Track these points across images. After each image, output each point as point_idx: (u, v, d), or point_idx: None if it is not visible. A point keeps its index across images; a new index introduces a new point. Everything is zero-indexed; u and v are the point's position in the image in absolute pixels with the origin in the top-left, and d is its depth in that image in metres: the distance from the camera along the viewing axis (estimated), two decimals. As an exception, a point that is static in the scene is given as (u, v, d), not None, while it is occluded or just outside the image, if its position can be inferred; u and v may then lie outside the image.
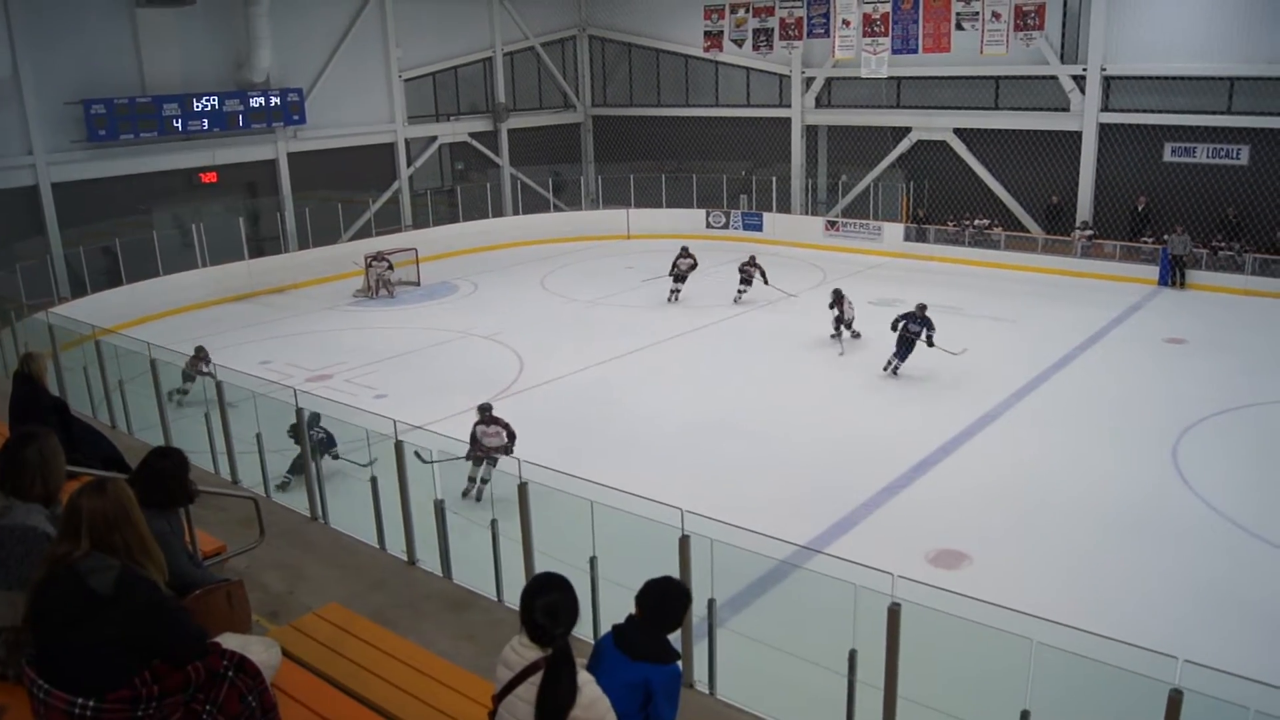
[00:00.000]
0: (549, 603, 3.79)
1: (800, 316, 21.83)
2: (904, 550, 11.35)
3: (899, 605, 6.07)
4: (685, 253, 23.65)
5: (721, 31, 30.26)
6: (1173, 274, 24.73)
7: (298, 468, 11.85)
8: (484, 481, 12.87)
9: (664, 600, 4.47)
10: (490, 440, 13.03)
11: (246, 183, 27.87)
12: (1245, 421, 15.62)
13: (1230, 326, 21.18)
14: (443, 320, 22.42)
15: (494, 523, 8.51)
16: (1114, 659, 5.97)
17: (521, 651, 3.81)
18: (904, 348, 17.77)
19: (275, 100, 26.89)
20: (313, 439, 10.70)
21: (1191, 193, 25.96)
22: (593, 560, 7.92)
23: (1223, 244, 25.01)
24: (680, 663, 4.59)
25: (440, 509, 8.66)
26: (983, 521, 12.23)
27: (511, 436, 13.07)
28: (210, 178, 26.65)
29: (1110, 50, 26.53)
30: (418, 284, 25.89)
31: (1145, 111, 26.47)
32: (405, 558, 8.61)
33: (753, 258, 23.74)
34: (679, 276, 23.29)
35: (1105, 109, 26.98)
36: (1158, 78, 26.13)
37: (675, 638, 4.51)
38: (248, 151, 27.35)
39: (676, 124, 34.67)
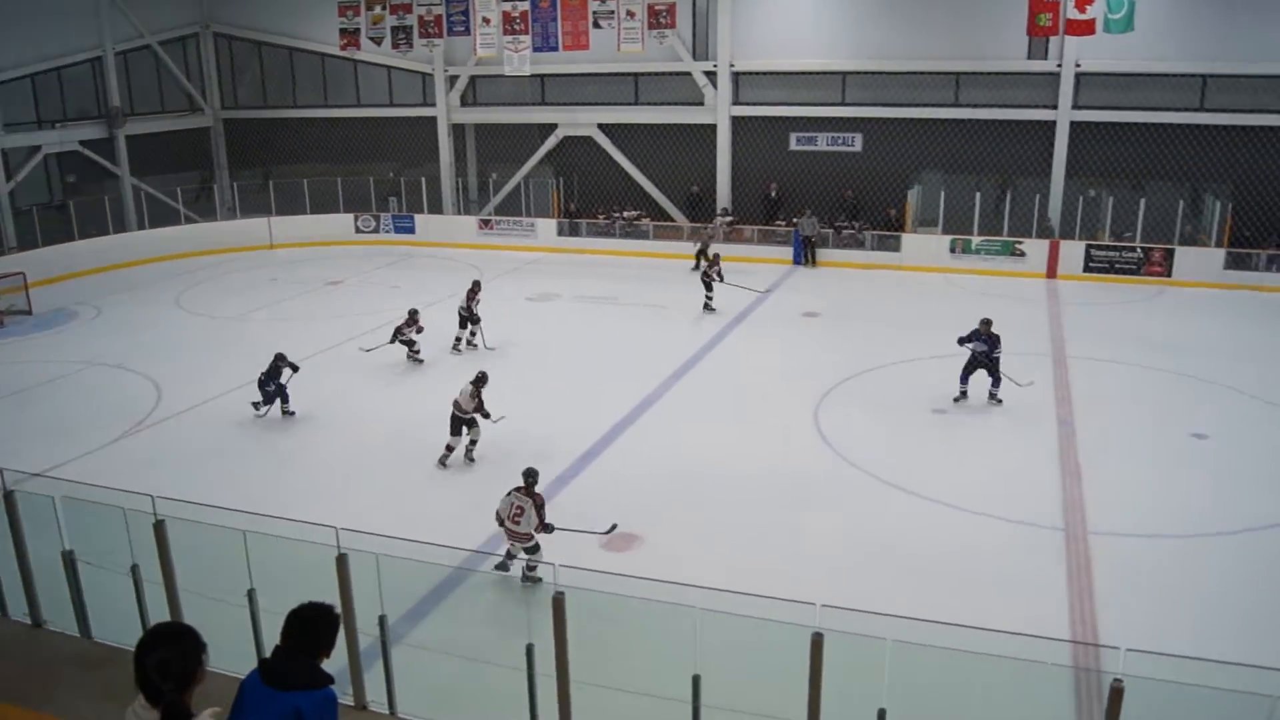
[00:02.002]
0: (160, 660, 3.59)
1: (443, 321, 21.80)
2: (578, 538, 11.67)
3: (563, 594, 6.23)
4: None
5: (358, 29, 29.59)
6: (805, 253, 27.12)
7: None
8: (472, 442, 13.99)
9: (309, 626, 4.39)
10: (466, 404, 13.73)
11: None
12: (872, 383, 17.43)
13: (857, 297, 23.57)
14: (61, 351, 20.34)
15: (135, 568, 7.86)
16: (770, 614, 6.47)
17: (142, 715, 3.59)
18: (970, 371, 16.38)
19: None
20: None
21: (816, 178, 28.58)
22: (250, 593, 7.54)
23: (845, 223, 27.78)
24: (334, 686, 4.49)
25: (70, 560, 7.89)
26: (650, 502, 12.81)
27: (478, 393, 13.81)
28: None
29: (737, 48, 28.64)
30: (29, 312, 23.33)
31: (771, 104, 28.84)
32: (29, 620, 7.77)
33: (716, 256, 23.06)
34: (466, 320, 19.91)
35: (736, 102, 29.09)
36: (781, 73, 28.56)
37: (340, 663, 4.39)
38: None
39: (317, 126, 33.51)
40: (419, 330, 18.66)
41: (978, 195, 26.32)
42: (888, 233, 27.32)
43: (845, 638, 6.09)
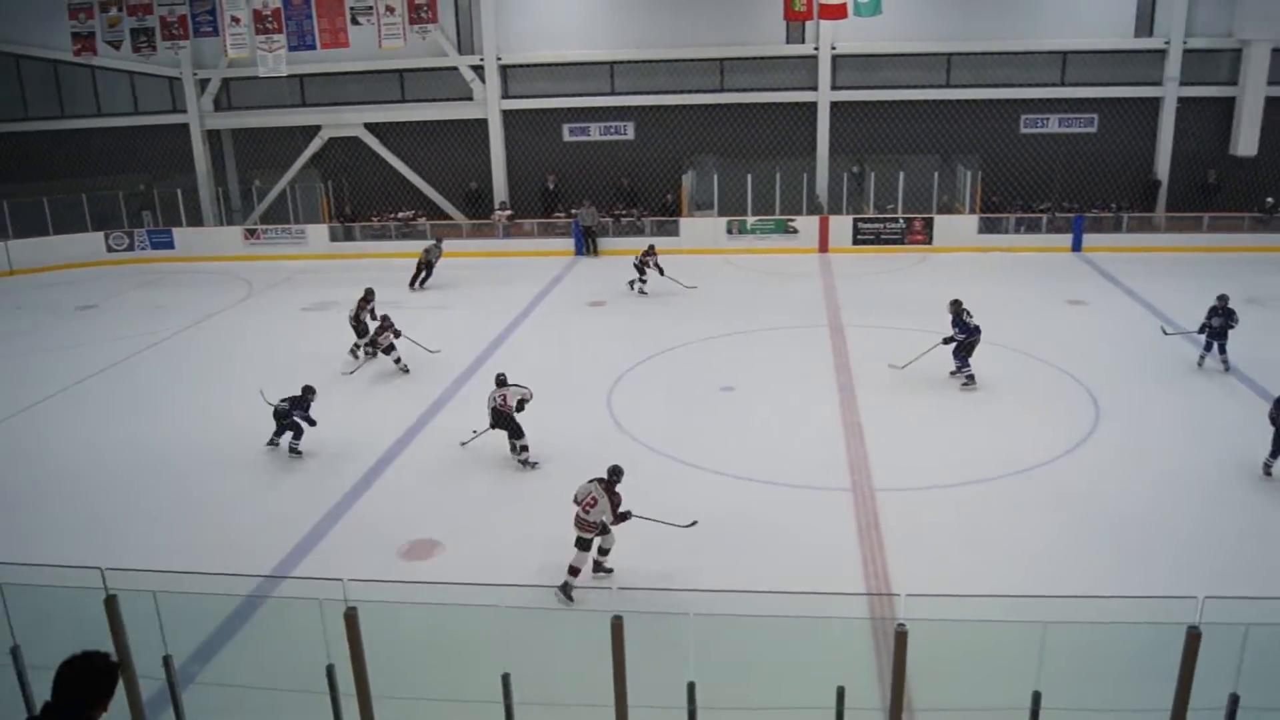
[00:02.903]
0: None
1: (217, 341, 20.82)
2: (376, 550, 11.39)
3: (355, 609, 6.07)
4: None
5: (93, 33, 27.66)
6: (586, 243, 27.35)
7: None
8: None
9: (80, 678, 4.15)
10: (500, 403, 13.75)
11: None
12: (662, 366, 17.77)
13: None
14: None
15: None
16: (574, 605, 6.52)
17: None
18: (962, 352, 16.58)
19: None
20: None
21: (592, 167, 28.87)
22: (15, 650, 6.99)
23: (624, 211, 28.19)
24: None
25: None
26: (449, 506, 12.63)
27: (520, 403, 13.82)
28: None
29: (504, 41, 28.51)
30: None
31: (542, 97, 28.89)
32: None
33: (651, 247, 23.34)
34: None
35: (506, 96, 28.98)
36: (549, 65, 28.65)
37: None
38: None
39: (53, 138, 31.03)
40: (395, 334, 17.69)
41: (749, 176, 27.25)
42: (666, 218, 27.90)
43: (646, 617, 6.19)
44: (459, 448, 14.39)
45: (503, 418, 13.77)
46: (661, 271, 22.77)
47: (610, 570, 10.78)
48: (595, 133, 29.23)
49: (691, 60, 28.19)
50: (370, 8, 26.47)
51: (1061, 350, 18.03)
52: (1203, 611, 5.91)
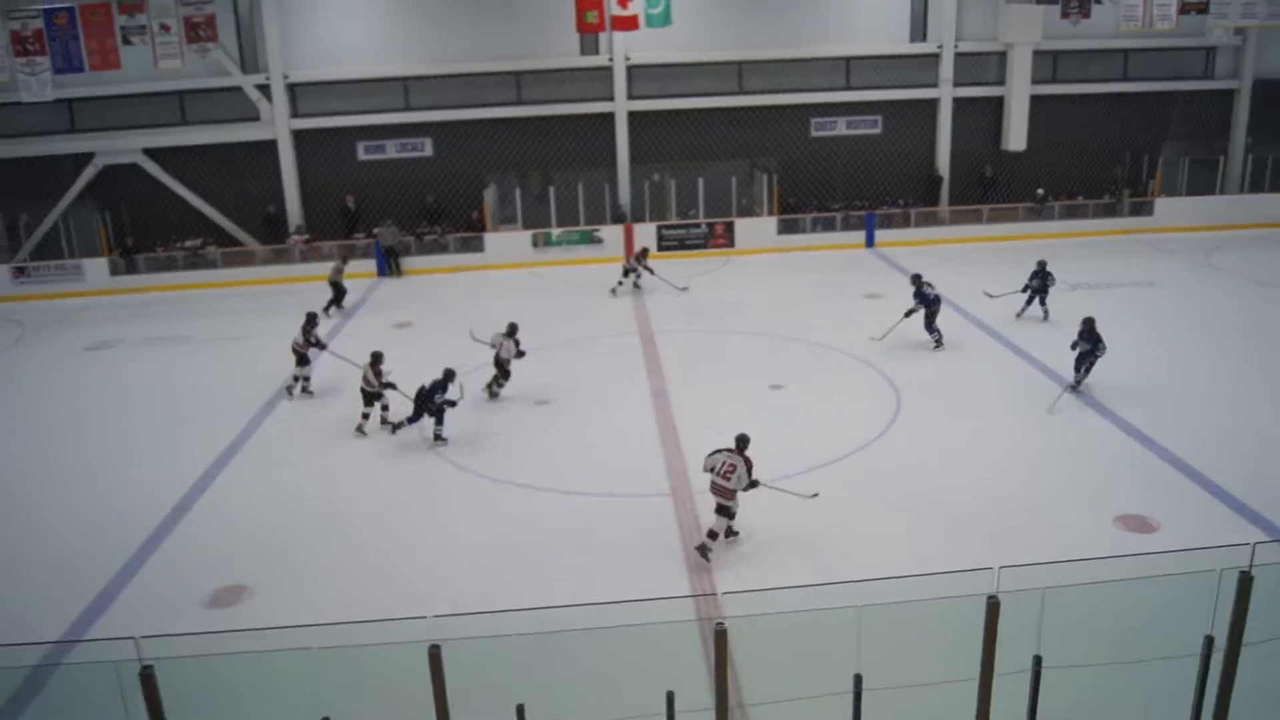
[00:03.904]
0: None
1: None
2: (179, 602, 10.75)
3: (151, 668, 5.68)
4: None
5: None
6: (389, 264, 26.73)
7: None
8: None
9: None
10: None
11: None
12: (474, 385, 17.47)
13: (447, 303, 23.54)
14: None
15: None
16: (391, 637, 6.30)
17: None
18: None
19: None
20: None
21: (392, 186, 28.21)
22: None
23: (426, 229, 27.72)
24: None
25: None
26: (257, 548, 12.05)
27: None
28: None
29: (290, 58, 27.54)
30: None
31: (334, 115, 28.07)
32: None
33: (645, 250, 24.28)
34: None
35: (295, 115, 28.01)
36: (341, 82, 27.87)
37: None
38: None
39: None
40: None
41: (551, 188, 27.27)
42: (470, 234, 27.58)
43: (468, 643, 6.05)
44: (264, 484, 13.81)
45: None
46: (652, 272, 23.72)
47: (737, 534, 11.66)
48: (392, 150, 28.61)
49: (487, 74, 27.98)
50: (144, 27, 25.08)
51: (862, 342, 18.80)
52: (999, 581, 6.23)
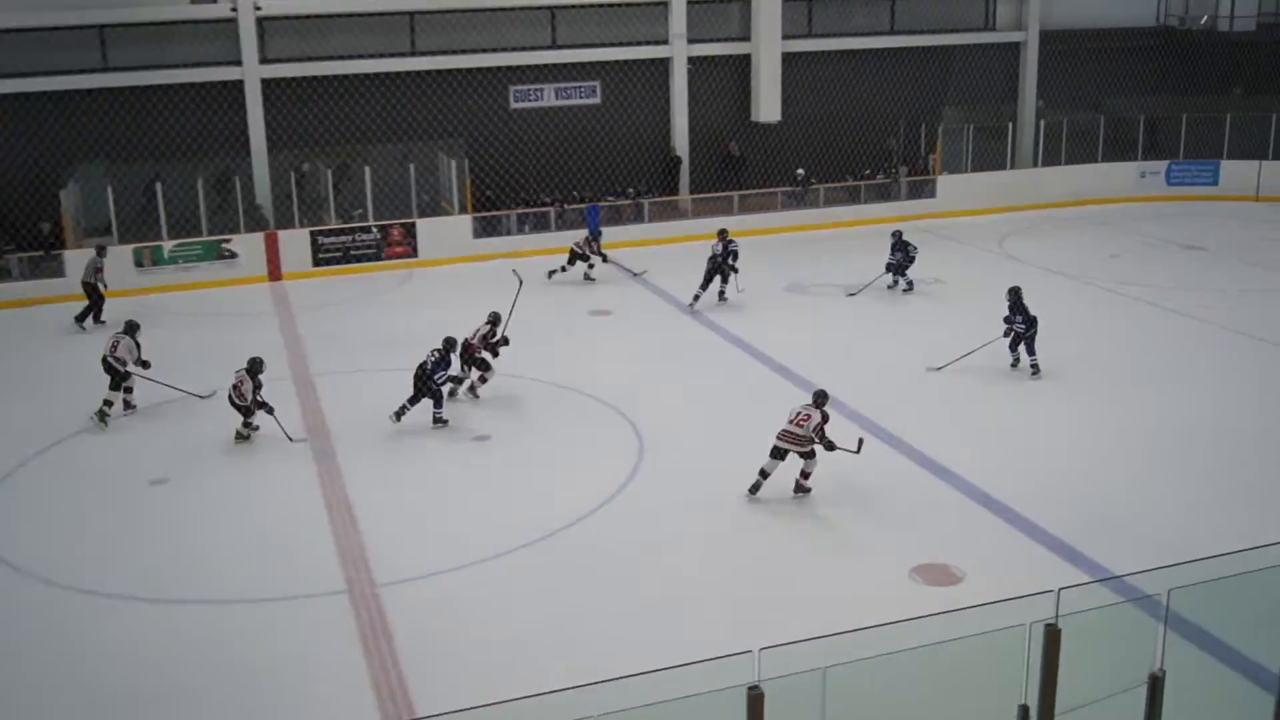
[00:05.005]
0: None
1: None
2: None
3: None
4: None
5: None
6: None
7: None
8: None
9: None
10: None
11: None
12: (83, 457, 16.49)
13: None
14: None
15: None
16: None
17: None
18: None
19: None
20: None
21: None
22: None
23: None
24: None
25: None
26: None
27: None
28: None
29: None
30: None
31: None
32: None
33: (598, 233, 26.18)
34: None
35: None
36: None
37: None
38: None
39: None
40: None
41: (159, 186, 26.17)
42: (40, 254, 25.83)
43: None
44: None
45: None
46: (605, 259, 25.64)
47: (809, 490, 14.52)
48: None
49: (56, 29, 26.60)
50: None
51: (590, 373, 19.14)
52: (760, 668, 6.46)
